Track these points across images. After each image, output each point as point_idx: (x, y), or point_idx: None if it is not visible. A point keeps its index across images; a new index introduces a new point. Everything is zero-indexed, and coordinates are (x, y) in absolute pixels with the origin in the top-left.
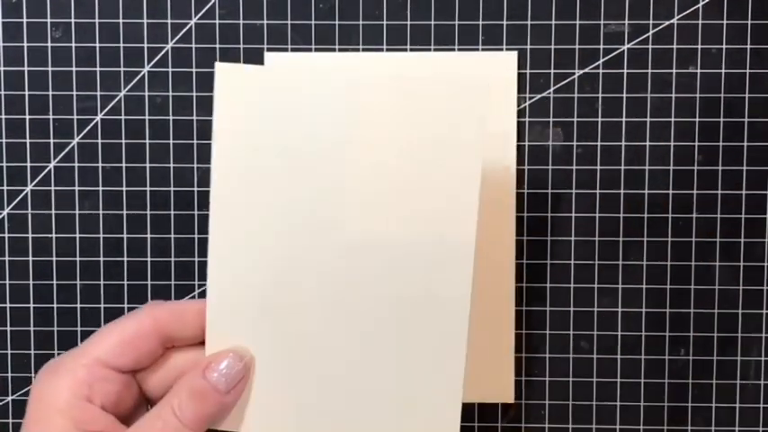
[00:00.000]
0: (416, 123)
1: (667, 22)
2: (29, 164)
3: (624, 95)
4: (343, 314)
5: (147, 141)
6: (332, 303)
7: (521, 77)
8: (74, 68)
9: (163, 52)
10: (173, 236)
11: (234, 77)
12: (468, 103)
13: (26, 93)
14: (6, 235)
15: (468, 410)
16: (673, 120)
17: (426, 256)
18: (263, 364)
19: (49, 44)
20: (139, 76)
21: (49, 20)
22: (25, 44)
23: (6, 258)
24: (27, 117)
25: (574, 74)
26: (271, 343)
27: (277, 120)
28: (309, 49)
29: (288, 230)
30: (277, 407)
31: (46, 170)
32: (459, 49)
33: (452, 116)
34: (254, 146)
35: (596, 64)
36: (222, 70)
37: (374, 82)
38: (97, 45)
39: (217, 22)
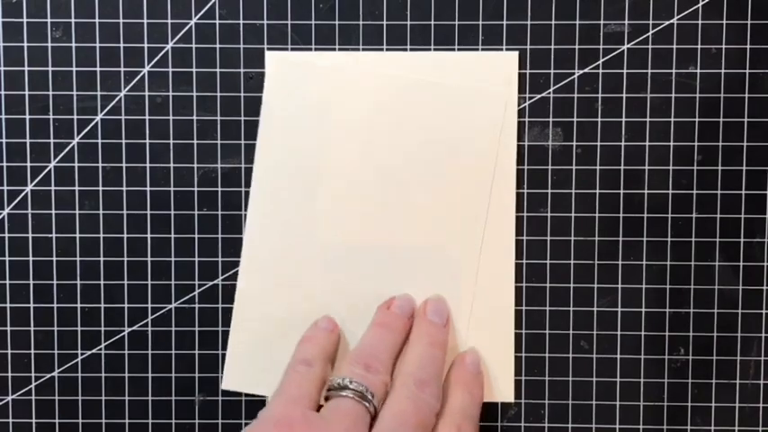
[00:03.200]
0: (439, 126)
1: (667, 22)
2: (29, 164)
3: (624, 95)
4: (356, 295)
5: (147, 141)
6: (348, 282)
7: (521, 77)
8: (74, 68)
9: (163, 52)
10: (173, 236)
11: (283, 66)
12: (488, 112)
13: (26, 93)
14: (6, 235)
15: None
16: (673, 120)
17: (435, 251)
18: (282, 327)
19: (49, 44)
20: (139, 76)
21: (49, 20)
22: (25, 44)
23: (6, 258)
24: (27, 117)
25: (574, 74)
26: (290, 313)
27: (315, 107)
28: (309, 49)
29: (314, 211)
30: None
31: (46, 170)
32: (459, 49)
33: (472, 124)
34: (294, 128)
35: (596, 64)
36: (272, 59)
37: (403, 83)
38: (97, 45)
39: (217, 22)
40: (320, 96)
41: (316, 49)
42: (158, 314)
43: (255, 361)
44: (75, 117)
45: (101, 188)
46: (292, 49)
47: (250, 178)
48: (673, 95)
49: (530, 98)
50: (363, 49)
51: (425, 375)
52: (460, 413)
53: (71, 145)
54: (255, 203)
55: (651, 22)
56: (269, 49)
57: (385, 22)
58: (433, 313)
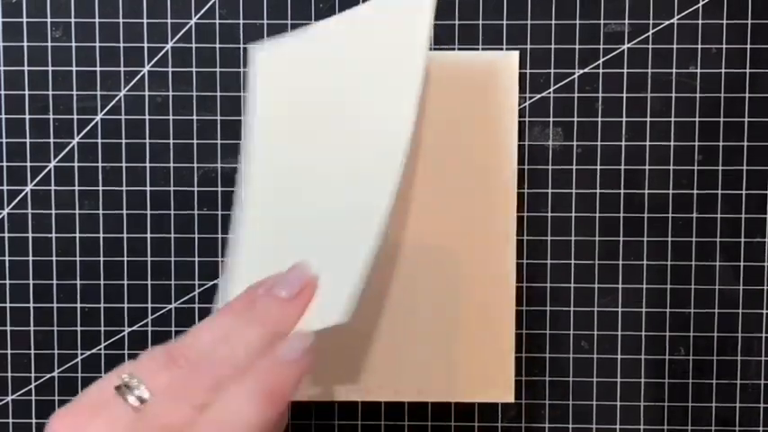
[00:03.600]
0: (369, 50)
1: (667, 22)
2: (29, 164)
3: (624, 95)
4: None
5: (147, 141)
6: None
7: (521, 77)
8: (74, 68)
9: (163, 52)
10: (173, 236)
11: (267, 57)
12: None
13: (26, 93)
14: (6, 235)
15: (468, 410)
16: (673, 120)
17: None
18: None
19: (49, 44)
20: (139, 76)
21: (49, 20)
22: (25, 44)
23: (6, 258)
24: (27, 117)
25: (574, 74)
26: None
27: (296, 86)
28: None
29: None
30: None
31: (46, 170)
32: (459, 49)
33: (396, 29)
34: (282, 111)
35: (596, 64)
36: (255, 50)
37: (338, 27)
38: (97, 45)
39: (217, 21)
40: (298, 72)
41: None
42: (158, 314)
43: None
44: (75, 117)
45: (101, 188)
46: None
47: None
48: (673, 95)
49: (530, 98)
50: None
51: (198, 358)
52: (214, 426)
53: (71, 145)
54: (249, 191)
55: (651, 21)
56: None
57: None
58: (277, 285)
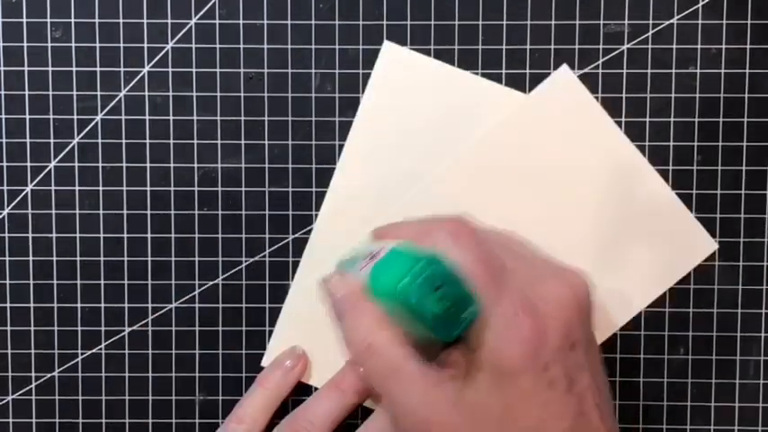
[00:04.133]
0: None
1: (667, 22)
2: (29, 164)
3: (624, 95)
4: None
5: (147, 141)
6: None
7: (521, 77)
8: (74, 68)
9: (163, 52)
10: (173, 236)
11: (396, 57)
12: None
13: (26, 93)
14: (6, 235)
15: None
16: (672, 120)
17: None
18: None
19: (49, 44)
20: (139, 76)
21: (48, 20)
22: (25, 44)
23: (6, 258)
24: (27, 117)
25: (574, 74)
26: None
27: (412, 105)
28: (309, 50)
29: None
30: None
31: (46, 170)
32: (459, 49)
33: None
34: (389, 120)
35: (596, 64)
36: (388, 48)
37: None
38: (97, 45)
39: (217, 22)
40: (419, 94)
41: (315, 49)
42: (158, 314)
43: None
44: (75, 117)
45: (101, 188)
46: (292, 49)
47: (250, 178)
48: (673, 95)
49: None
50: (363, 50)
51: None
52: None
53: (71, 145)
54: (331, 198)
55: (651, 22)
56: (269, 49)
57: (385, 22)
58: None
